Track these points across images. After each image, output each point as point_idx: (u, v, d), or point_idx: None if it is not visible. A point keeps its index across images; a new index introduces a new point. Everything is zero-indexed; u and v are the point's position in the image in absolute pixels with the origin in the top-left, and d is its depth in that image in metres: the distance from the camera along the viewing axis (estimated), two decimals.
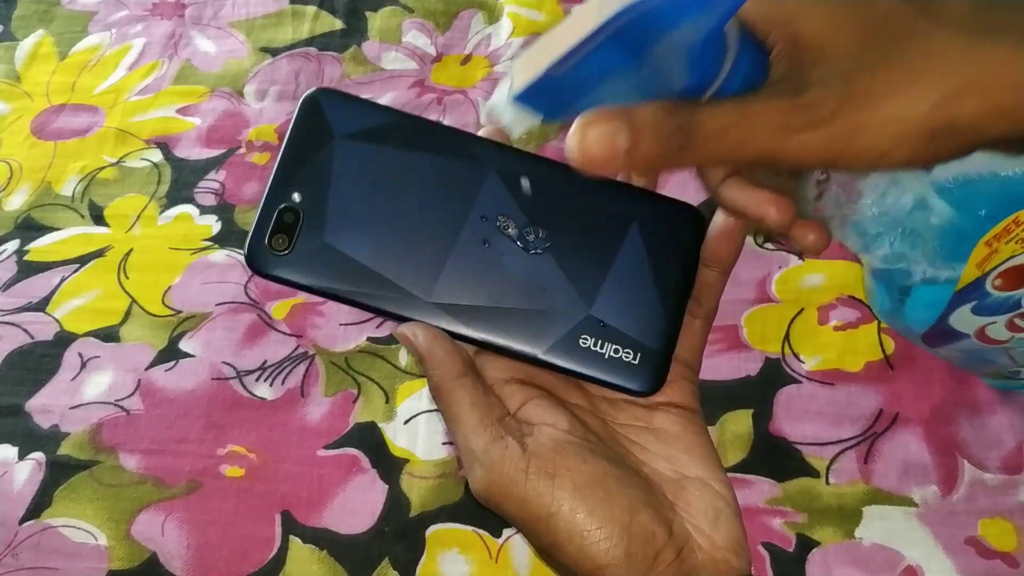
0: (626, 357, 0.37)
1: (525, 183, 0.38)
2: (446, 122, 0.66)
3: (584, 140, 0.28)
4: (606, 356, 0.37)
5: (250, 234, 0.38)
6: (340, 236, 0.38)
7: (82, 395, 0.55)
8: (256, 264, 0.37)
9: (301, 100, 0.39)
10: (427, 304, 0.37)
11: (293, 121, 0.39)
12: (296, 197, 0.38)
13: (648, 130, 0.28)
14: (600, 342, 0.37)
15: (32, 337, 0.58)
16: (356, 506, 0.50)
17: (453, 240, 0.38)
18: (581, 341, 0.37)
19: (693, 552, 0.34)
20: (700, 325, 0.39)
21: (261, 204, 0.38)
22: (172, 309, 0.58)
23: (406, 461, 0.52)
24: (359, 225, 0.38)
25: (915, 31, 0.28)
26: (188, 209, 0.64)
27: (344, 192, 0.38)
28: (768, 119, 0.29)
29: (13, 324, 0.58)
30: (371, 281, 0.37)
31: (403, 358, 0.55)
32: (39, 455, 0.53)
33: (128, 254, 0.61)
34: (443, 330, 0.37)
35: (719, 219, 0.38)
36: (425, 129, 0.39)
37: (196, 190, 0.65)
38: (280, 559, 0.49)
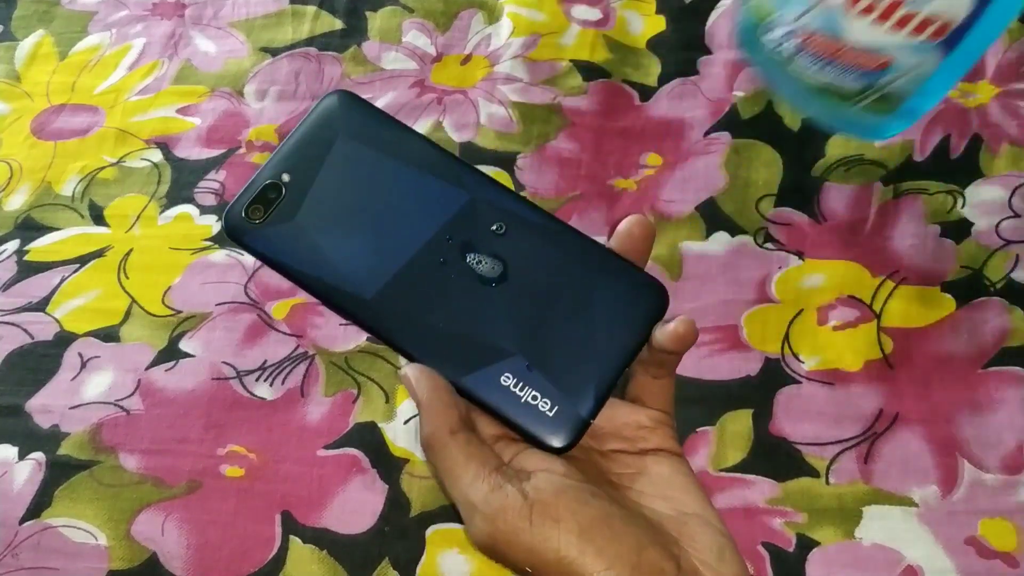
0: (542, 407, 0.37)
1: (499, 220, 0.39)
2: (446, 122, 0.66)
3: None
4: (522, 400, 0.37)
5: (233, 199, 0.40)
6: (311, 220, 0.40)
7: (82, 395, 0.55)
8: (227, 227, 0.39)
9: (323, 96, 0.41)
10: (366, 301, 0.38)
11: (309, 112, 0.42)
12: (285, 177, 0.40)
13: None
14: (521, 384, 0.37)
15: (32, 337, 0.58)
16: (356, 506, 0.50)
17: (413, 250, 0.39)
18: (502, 379, 0.37)
19: None
20: (668, 383, 0.39)
21: (253, 175, 0.40)
22: (172, 309, 0.58)
23: (406, 461, 0.52)
24: (331, 215, 0.40)
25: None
26: (188, 209, 0.64)
27: (329, 184, 0.40)
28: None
29: (13, 324, 0.58)
30: (323, 267, 0.39)
31: (403, 358, 0.55)
32: (39, 455, 0.53)
33: (128, 254, 0.61)
34: (366, 324, 0.38)
35: (673, 331, 0.38)
36: (424, 147, 0.41)
37: (196, 190, 0.65)
38: (280, 559, 0.49)
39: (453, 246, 0.39)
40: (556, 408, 0.37)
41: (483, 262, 0.39)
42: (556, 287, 0.39)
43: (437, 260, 0.39)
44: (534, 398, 0.37)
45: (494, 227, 0.40)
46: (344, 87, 0.69)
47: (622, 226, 0.39)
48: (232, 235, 0.40)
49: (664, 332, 0.37)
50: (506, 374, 0.37)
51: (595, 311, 0.38)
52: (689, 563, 0.34)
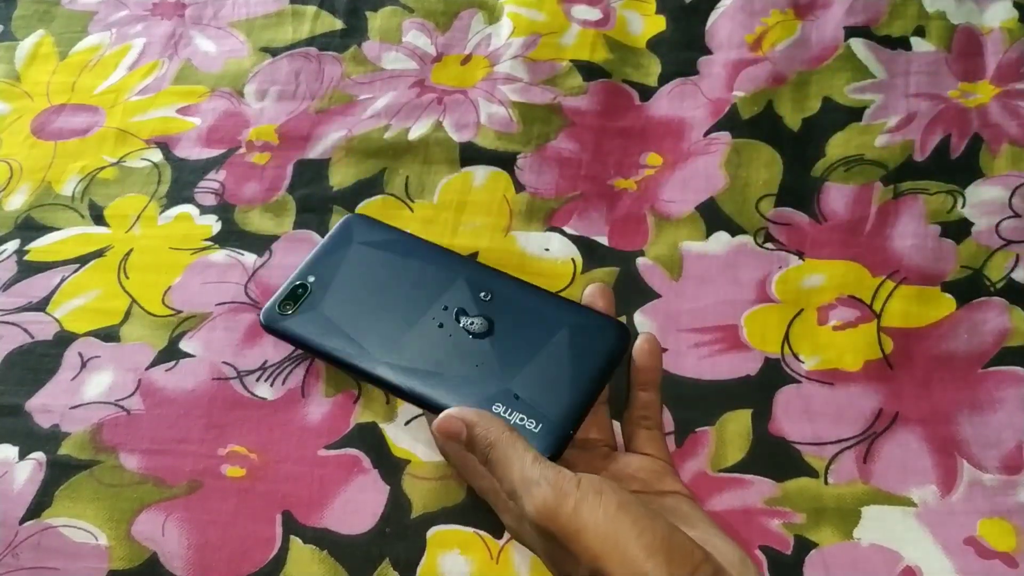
0: (530, 426, 0.44)
1: (485, 289, 0.50)
2: (446, 122, 0.66)
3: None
4: (512, 423, 0.44)
5: (271, 299, 0.51)
6: (332, 308, 0.50)
7: (82, 395, 0.55)
8: (265, 320, 0.51)
9: (342, 220, 0.54)
10: (380, 361, 0.48)
11: (331, 230, 0.54)
12: (310, 279, 0.52)
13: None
14: (510, 410, 0.45)
15: (32, 337, 0.58)
16: (357, 507, 0.50)
17: (416, 320, 0.49)
18: (494, 407, 0.45)
19: None
20: (657, 434, 0.47)
21: (287, 281, 0.52)
22: (172, 309, 0.58)
23: (407, 462, 0.52)
24: (348, 303, 0.50)
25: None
26: (188, 209, 0.64)
27: (346, 280, 0.51)
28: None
29: (13, 324, 0.58)
30: (343, 341, 0.49)
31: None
32: (39, 455, 0.53)
33: (128, 254, 0.61)
34: (383, 380, 0.48)
35: (638, 352, 0.47)
36: (422, 246, 0.53)
37: (196, 190, 0.65)
38: (280, 559, 0.49)
39: (448, 313, 0.49)
40: (541, 426, 0.44)
41: (474, 322, 0.48)
42: (534, 333, 0.48)
43: (436, 325, 0.48)
44: (521, 420, 0.45)
45: (481, 294, 0.49)
46: (344, 87, 0.69)
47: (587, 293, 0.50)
48: (267, 325, 0.51)
49: (637, 351, 0.47)
50: (497, 403, 0.45)
51: (567, 349, 0.47)
52: (716, 561, 0.39)
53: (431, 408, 0.46)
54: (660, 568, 0.37)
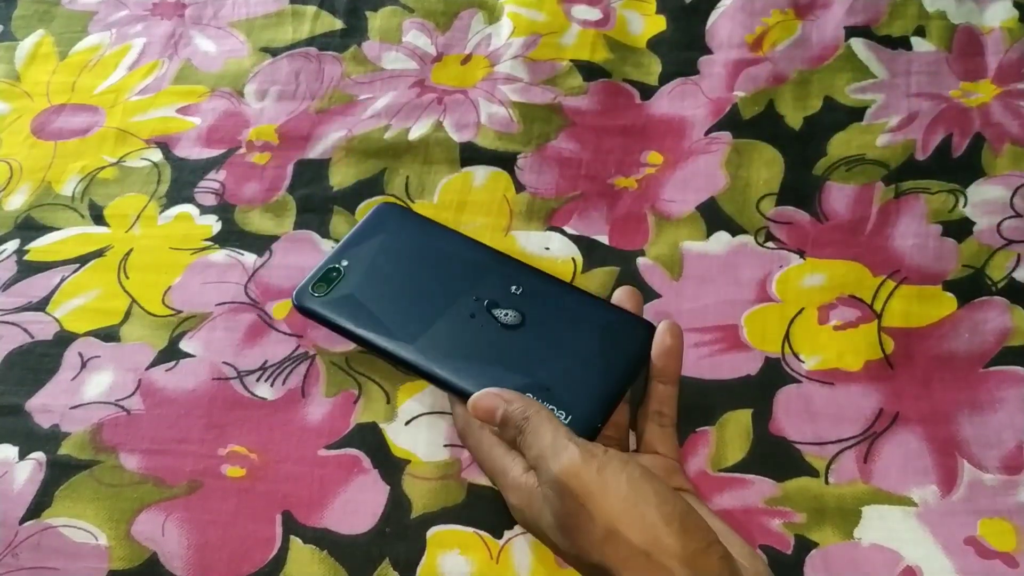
0: (560, 416, 0.45)
1: (517, 283, 0.51)
2: (446, 122, 0.66)
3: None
4: None
5: (304, 279, 0.52)
6: (364, 291, 0.51)
7: (82, 395, 0.55)
8: (297, 300, 0.52)
9: (376, 207, 0.56)
10: (410, 346, 0.49)
11: (365, 216, 0.55)
12: (344, 263, 0.53)
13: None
14: (541, 400, 0.45)
15: (32, 337, 0.58)
16: (357, 507, 0.50)
17: (447, 309, 0.50)
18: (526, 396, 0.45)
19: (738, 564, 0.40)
20: (671, 431, 0.48)
21: (320, 262, 0.53)
22: (172, 309, 0.58)
23: (407, 462, 0.52)
24: (381, 287, 0.51)
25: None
26: (188, 209, 0.64)
27: (379, 266, 0.52)
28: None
29: (13, 324, 0.58)
30: (374, 325, 0.50)
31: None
32: (39, 455, 0.53)
33: (128, 254, 0.61)
34: (413, 364, 0.48)
35: (658, 340, 0.48)
36: (454, 237, 0.53)
37: (196, 190, 0.65)
38: (281, 559, 0.49)
39: (480, 304, 0.50)
40: (571, 417, 0.45)
41: (507, 314, 0.49)
42: (565, 328, 0.48)
43: (468, 314, 0.49)
44: (553, 410, 0.45)
45: (513, 288, 0.50)
46: (344, 87, 0.69)
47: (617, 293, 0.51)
48: (300, 305, 0.52)
49: (658, 345, 0.48)
50: (528, 392, 0.45)
51: (596, 345, 0.48)
52: (724, 546, 0.40)
53: (459, 394, 0.47)
54: (675, 537, 0.38)
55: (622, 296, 0.51)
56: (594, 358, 0.47)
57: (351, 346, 0.56)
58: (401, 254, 0.53)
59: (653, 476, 0.40)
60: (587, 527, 0.40)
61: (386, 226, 0.54)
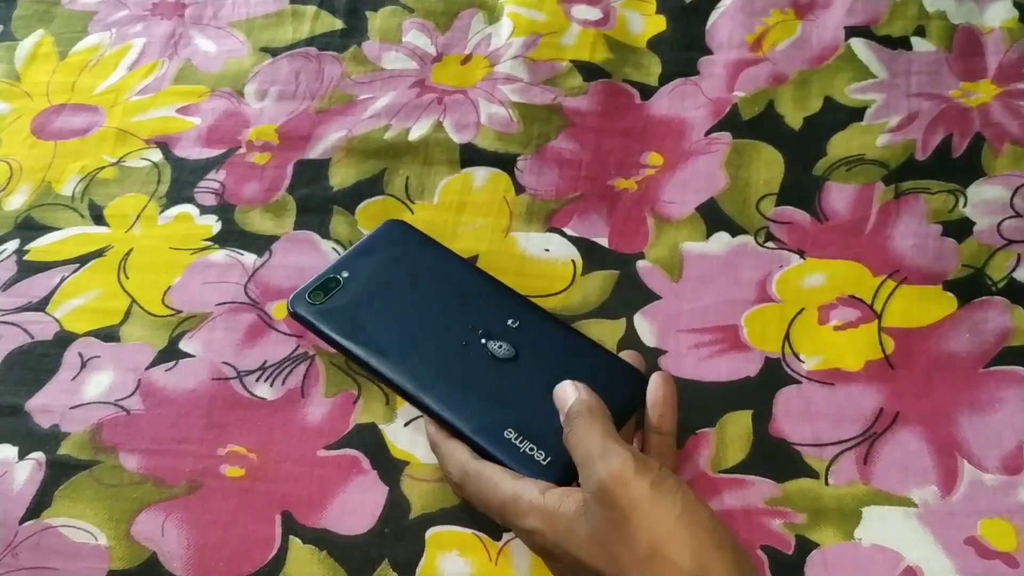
0: (538, 457, 0.44)
1: (514, 316, 0.49)
2: (446, 122, 0.66)
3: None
4: (521, 451, 0.44)
5: (302, 285, 0.51)
6: (359, 305, 0.50)
7: (82, 395, 0.55)
8: (292, 305, 0.51)
9: (384, 223, 0.55)
10: (398, 368, 0.48)
11: (372, 231, 0.54)
12: (344, 274, 0.52)
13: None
14: (521, 438, 0.45)
15: (32, 337, 0.58)
16: (356, 507, 0.50)
17: (441, 335, 0.49)
18: (505, 432, 0.45)
19: None
20: (671, 440, 0.46)
21: (321, 271, 0.52)
22: (172, 309, 0.58)
23: (406, 463, 0.52)
24: (377, 303, 0.50)
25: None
26: (188, 209, 0.64)
27: (378, 282, 0.51)
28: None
29: (13, 324, 0.58)
30: (365, 341, 0.49)
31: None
32: (39, 455, 0.53)
33: (128, 254, 0.61)
34: (398, 386, 0.48)
35: (652, 392, 0.46)
36: (457, 263, 0.53)
37: (196, 190, 0.65)
38: (280, 559, 0.49)
39: (475, 334, 0.49)
40: (549, 459, 0.44)
41: (501, 347, 0.48)
42: (556, 368, 0.47)
43: (460, 343, 0.48)
44: (531, 450, 0.44)
45: (510, 321, 0.49)
46: (344, 87, 0.69)
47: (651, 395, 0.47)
48: (293, 312, 0.51)
49: (652, 396, 0.46)
50: (509, 429, 0.45)
51: (584, 387, 0.45)
52: None
53: (440, 422, 0.46)
54: (725, 564, 0.37)
55: (626, 359, 0.49)
56: None
57: None
58: (402, 273, 0.52)
59: (705, 502, 0.39)
60: (629, 542, 0.38)
61: (392, 243, 0.53)
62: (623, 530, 0.38)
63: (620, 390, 0.47)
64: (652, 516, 0.37)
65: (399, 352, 0.48)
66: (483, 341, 0.48)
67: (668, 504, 0.38)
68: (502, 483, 0.43)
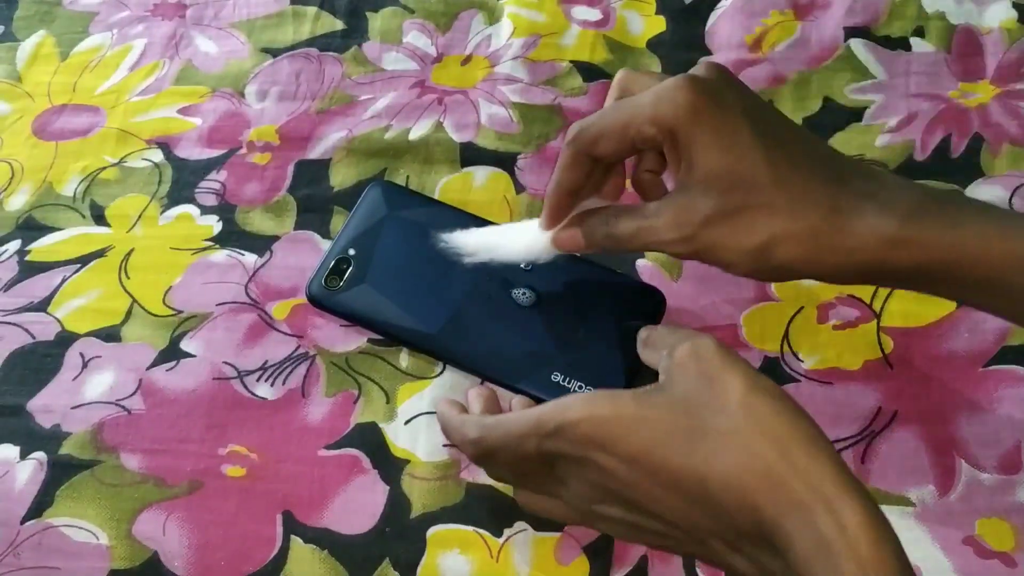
0: (587, 391, 0.44)
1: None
2: (446, 122, 0.66)
3: (558, 238, 0.46)
4: (571, 390, 0.46)
5: (312, 275, 0.53)
6: (377, 281, 0.52)
7: (83, 395, 0.55)
8: (312, 297, 0.52)
9: (368, 187, 0.56)
10: (433, 335, 0.50)
11: (360, 199, 0.55)
12: (351, 251, 0.52)
13: (591, 235, 0.45)
14: (568, 379, 0.47)
15: (33, 337, 0.58)
16: (357, 506, 0.50)
17: (463, 292, 0.50)
18: (552, 376, 0.47)
19: None
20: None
21: (325, 254, 0.53)
22: (173, 309, 0.59)
23: (407, 462, 0.52)
24: (393, 274, 0.51)
25: (757, 191, 0.40)
26: (189, 209, 0.64)
27: (386, 251, 0.52)
28: (655, 231, 0.42)
29: (14, 324, 0.58)
30: (395, 315, 0.51)
31: (403, 359, 0.55)
32: (41, 455, 0.53)
33: (129, 254, 0.61)
34: (440, 352, 0.50)
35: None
36: (453, 213, 0.53)
37: (197, 190, 0.65)
38: (281, 559, 0.49)
39: (494, 284, 0.50)
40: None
41: (524, 294, 0.50)
42: (578, 303, 0.49)
43: (485, 297, 0.50)
44: (580, 387, 0.46)
45: (523, 265, 0.50)
46: (345, 87, 0.70)
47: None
48: (315, 302, 0.52)
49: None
50: (555, 373, 0.47)
51: (610, 316, 0.48)
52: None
53: (490, 380, 0.48)
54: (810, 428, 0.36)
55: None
56: (610, 329, 0.48)
57: (351, 346, 0.56)
58: (406, 237, 0.53)
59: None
60: (725, 392, 0.36)
61: (384, 207, 0.54)
62: (718, 383, 0.36)
63: (642, 308, 0.49)
64: (748, 377, 0.36)
65: (429, 320, 0.50)
66: (505, 291, 0.50)
67: (764, 381, 0.37)
68: (529, 410, 0.39)
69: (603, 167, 0.45)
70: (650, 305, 0.49)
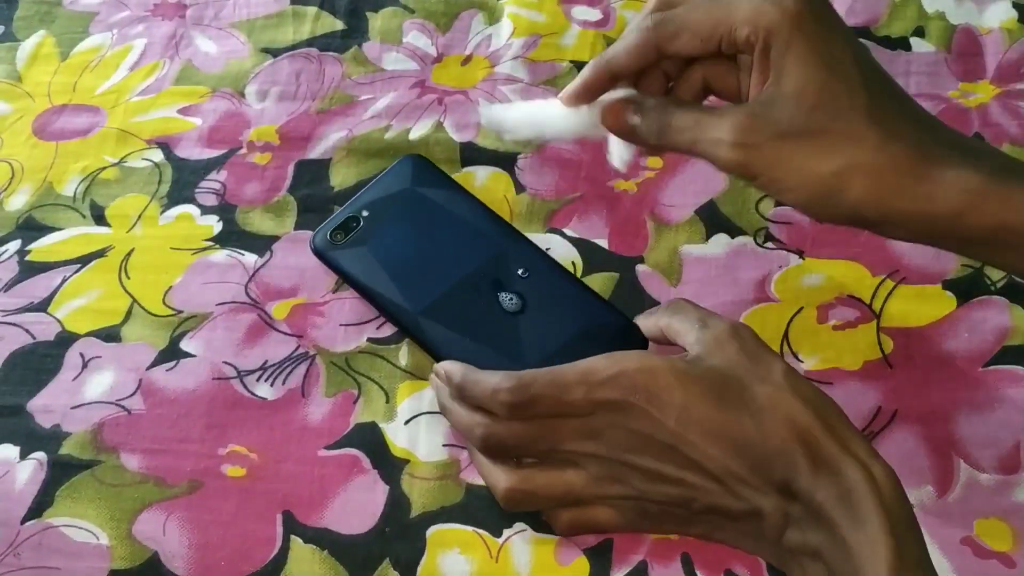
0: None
1: (524, 266, 0.52)
2: (446, 122, 0.67)
3: (609, 112, 0.43)
4: None
5: (322, 224, 0.55)
6: (378, 247, 0.53)
7: (83, 395, 0.55)
8: (314, 244, 0.54)
9: (402, 158, 0.58)
10: (410, 313, 0.51)
11: (389, 168, 0.57)
12: (364, 213, 0.55)
13: (645, 118, 0.42)
14: None
15: (33, 337, 0.58)
16: (357, 506, 0.50)
17: (454, 280, 0.51)
18: None
19: None
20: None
21: (340, 209, 0.56)
22: (173, 309, 0.59)
23: (407, 462, 0.52)
24: (396, 245, 0.53)
25: (847, 115, 0.38)
26: (189, 209, 0.64)
27: (396, 222, 0.54)
28: (713, 131, 0.39)
29: (15, 324, 0.58)
30: (383, 284, 0.52)
31: (403, 359, 0.55)
32: (41, 455, 0.53)
33: (129, 254, 0.62)
34: (412, 331, 0.51)
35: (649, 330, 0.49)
36: (474, 206, 0.55)
37: (197, 190, 0.65)
38: (281, 559, 0.49)
39: (485, 281, 0.51)
40: None
41: (512, 298, 0.50)
42: (560, 323, 0.50)
43: (473, 289, 0.51)
44: None
45: (520, 271, 0.51)
46: (345, 87, 0.70)
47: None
48: (317, 250, 0.54)
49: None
50: None
51: (589, 344, 0.47)
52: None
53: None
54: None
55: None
56: (581, 353, 0.46)
57: (351, 345, 0.56)
58: (420, 214, 0.54)
59: None
60: (768, 365, 0.41)
61: (409, 180, 0.55)
62: (760, 359, 0.41)
63: (622, 345, 0.47)
64: (785, 363, 0.41)
65: (414, 298, 0.51)
66: (493, 292, 0.51)
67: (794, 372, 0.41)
68: (576, 363, 0.42)
69: (658, 70, 0.43)
70: (631, 344, 0.48)
